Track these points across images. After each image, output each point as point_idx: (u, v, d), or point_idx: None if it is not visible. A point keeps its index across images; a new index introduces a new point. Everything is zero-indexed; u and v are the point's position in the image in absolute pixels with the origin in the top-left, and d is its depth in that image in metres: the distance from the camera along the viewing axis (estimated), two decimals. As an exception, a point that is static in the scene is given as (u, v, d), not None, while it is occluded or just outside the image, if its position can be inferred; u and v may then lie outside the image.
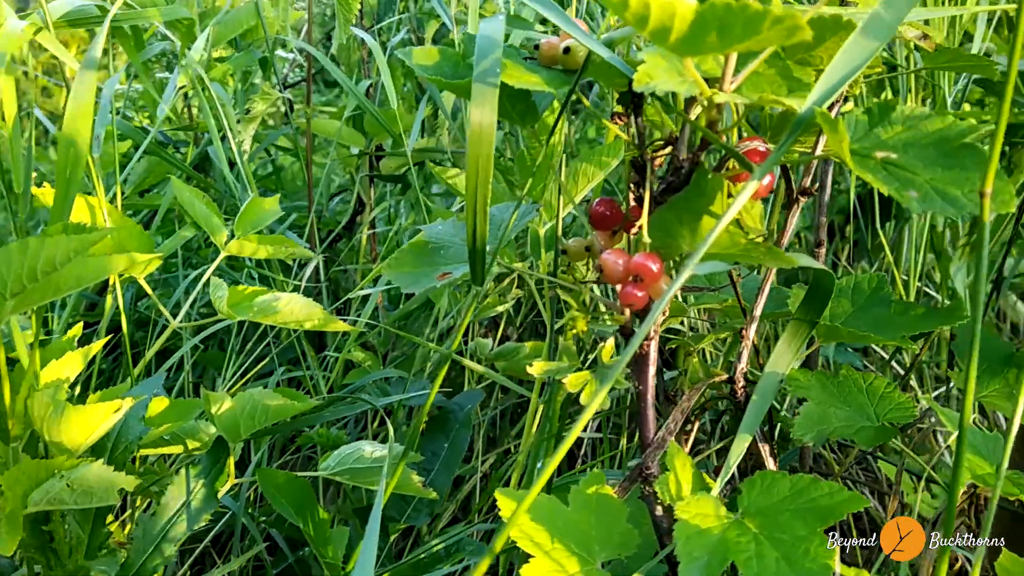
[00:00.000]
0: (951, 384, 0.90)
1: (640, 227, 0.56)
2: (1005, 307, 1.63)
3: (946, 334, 1.21)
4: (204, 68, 1.40)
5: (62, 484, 0.68)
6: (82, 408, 0.70)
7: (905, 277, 1.35)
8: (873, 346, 1.19)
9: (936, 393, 1.21)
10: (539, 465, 0.96)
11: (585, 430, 1.32)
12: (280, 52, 1.91)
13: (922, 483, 0.73)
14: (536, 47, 0.62)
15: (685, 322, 1.15)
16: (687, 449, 0.75)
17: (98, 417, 0.71)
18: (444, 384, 1.48)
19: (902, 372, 1.16)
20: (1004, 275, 1.56)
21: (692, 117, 0.59)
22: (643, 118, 0.62)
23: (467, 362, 1.13)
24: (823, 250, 0.77)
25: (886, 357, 1.28)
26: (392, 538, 1.09)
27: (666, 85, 0.51)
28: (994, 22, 1.42)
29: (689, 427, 0.73)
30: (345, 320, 1.38)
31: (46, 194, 0.93)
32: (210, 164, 1.68)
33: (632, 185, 0.61)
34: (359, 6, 1.41)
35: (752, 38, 0.42)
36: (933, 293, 1.43)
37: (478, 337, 1.42)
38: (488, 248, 0.68)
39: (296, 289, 1.41)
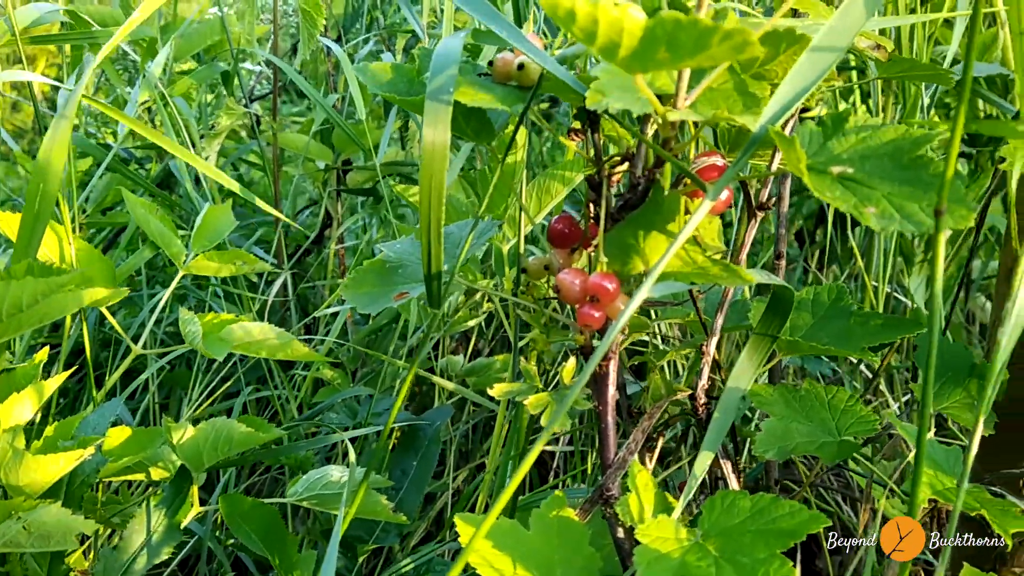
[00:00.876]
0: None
1: (594, 246, 0.56)
2: (974, 308, 1.64)
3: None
4: (166, 83, 1.38)
5: (19, 527, 0.66)
6: (41, 457, 0.68)
7: (876, 283, 1.36)
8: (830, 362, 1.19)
9: (907, 397, 1.21)
10: (506, 482, 0.95)
11: (556, 443, 1.31)
12: (247, 65, 1.89)
13: (884, 492, 0.72)
14: (490, 64, 0.61)
15: (657, 334, 1.15)
16: (652, 464, 0.74)
17: (57, 464, 0.69)
18: (416, 400, 1.46)
19: (872, 377, 1.16)
20: (972, 277, 1.57)
21: (649, 133, 0.59)
22: (600, 134, 0.62)
23: (437, 379, 1.12)
24: (783, 262, 0.77)
25: (856, 363, 1.28)
26: (361, 559, 1.07)
27: (619, 103, 0.50)
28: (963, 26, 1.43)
29: (653, 443, 0.72)
30: (313, 338, 1.36)
31: (9, 221, 0.91)
32: (175, 181, 1.66)
33: (589, 203, 0.60)
34: (324, 21, 1.39)
35: (702, 54, 0.41)
36: (902, 298, 1.43)
37: (448, 354, 1.41)
38: (446, 267, 0.67)
39: (263, 306, 1.40)
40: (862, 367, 1.31)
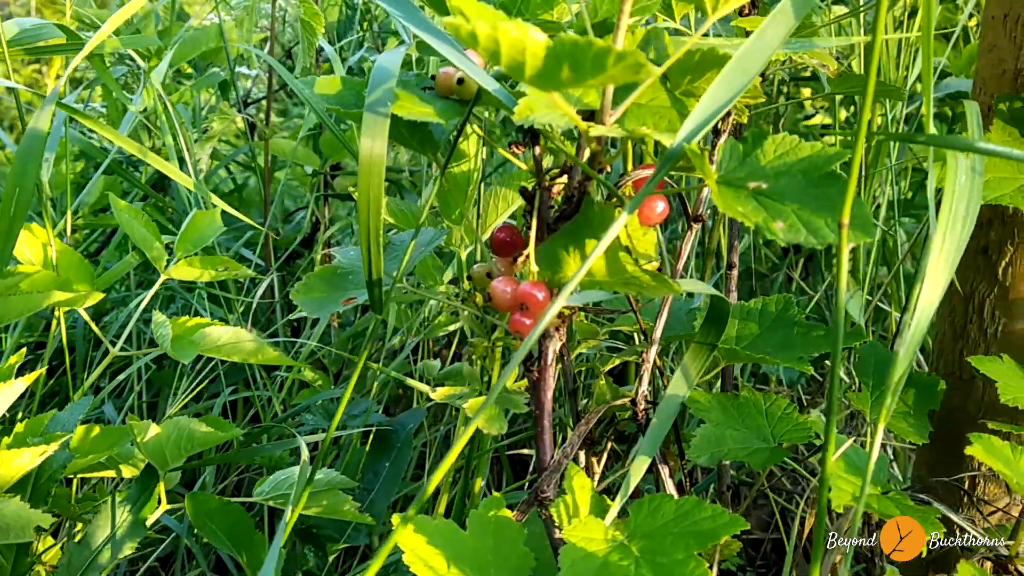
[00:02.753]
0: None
1: (526, 256, 0.57)
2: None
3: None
4: (164, 89, 1.41)
5: (-22, 520, 0.68)
6: (6, 452, 0.71)
7: (858, 290, 1.37)
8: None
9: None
10: (465, 485, 0.97)
11: (533, 447, 1.32)
12: (244, 70, 1.92)
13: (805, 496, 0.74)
14: (432, 78, 0.63)
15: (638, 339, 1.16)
16: (600, 467, 0.75)
17: (22, 459, 0.72)
18: (400, 403, 1.48)
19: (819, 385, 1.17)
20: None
21: (585, 149, 0.60)
22: (540, 147, 0.63)
23: (413, 383, 1.14)
24: (735, 272, 0.78)
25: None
26: (332, 557, 1.09)
27: (545, 118, 0.52)
28: (952, 40, 1.44)
29: (599, 448, 0.73)
30: (297, 340, 1.39)
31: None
32: (169, 183, 1.69)
33: (526, 213, 0.62)
34: (322, 28, 1.42)
35: (601, 74, 0.43)
36: (885, 307, 1.44)
37: (430, 357, 1.43)
38: (395, 272, 0.69)
39: (249, 307, 1.42)
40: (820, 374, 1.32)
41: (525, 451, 1.30)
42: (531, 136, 0.63)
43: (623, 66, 0.42)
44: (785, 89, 1.48)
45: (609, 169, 0.60)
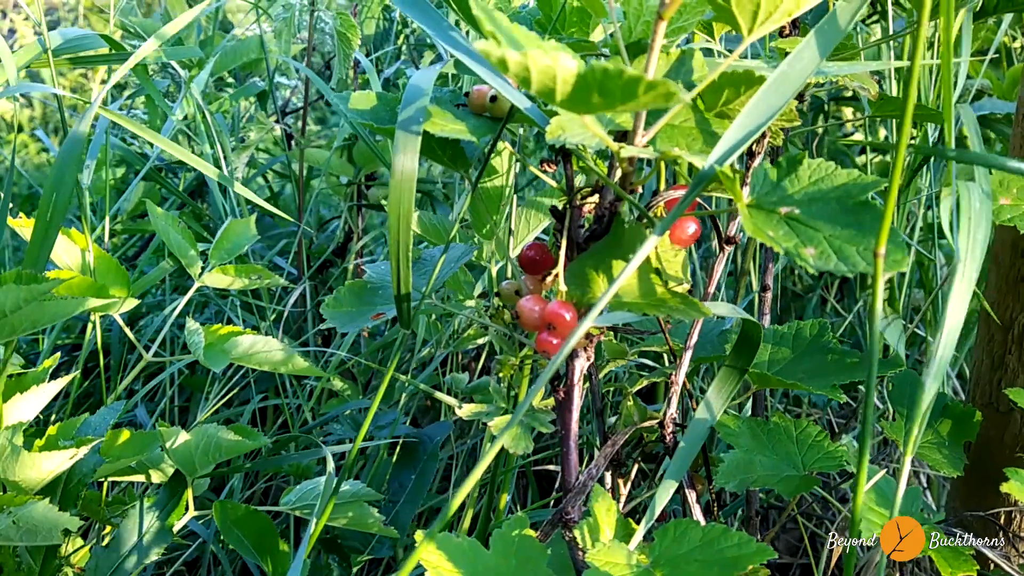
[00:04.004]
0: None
1: (555, 276, 0.57)
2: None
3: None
4: (204, 98, 1.43)
5: (8, 521, 0.69)
6: (37, 454, 0.72)
7: (896, 317, 1.34)
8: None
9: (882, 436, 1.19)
10: (490, 501, 0.96)
11: (551, 464, 1.32)
12: (282, 79, 1.94)
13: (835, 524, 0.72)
14: (466, 95, 0.63)
15: (667, 359, 1.15)
16: (627, 489, 0.75)
17: (53, 461, 0.73)
18: (428, 415, 1.48)
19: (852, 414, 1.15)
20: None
21: (617, 169, 0.60)
22: (572, 166, 0.63)
23: (440, 396, 1.14)
24: (769, 295, 0.77)
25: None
26: (356, 568, 1.09)
27: (576, 138, 0.52)
28: (987, 59, 1.42)
29: (626, 469, 0.73)
30: (327, 350, 1.39)
31: (24, 225, 0.95)
32: (207, 190, 1.71)
33: (555, 232, 0.61)
34: (358, 41, 1.43)
35: (632, 101, 0.43)
36: (920, 331, 1.42)
37: (458, 370, 1.43)
38: (423, 289, 0.69)
39: (281, 315, 1.43)
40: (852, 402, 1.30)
41: (551, 467, 1.29)
42: (563, 155, 0.63)
43: (653, 95, 0.42)
44: (826, 108, 1.46)
45: (641, 190, 0.60)
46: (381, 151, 1.35)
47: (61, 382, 0.83)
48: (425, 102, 0.59)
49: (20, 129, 3.02)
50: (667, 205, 0.63)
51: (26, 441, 0.76)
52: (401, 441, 1.20)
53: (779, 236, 0.49)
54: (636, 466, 0.74)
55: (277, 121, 1.50)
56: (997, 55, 1.43)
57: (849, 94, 1.18)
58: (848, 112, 1.47)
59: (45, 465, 0.72)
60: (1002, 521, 0.70)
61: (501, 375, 0.68)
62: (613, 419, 0.84)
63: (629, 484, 0.74)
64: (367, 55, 1.72)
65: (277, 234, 1.77)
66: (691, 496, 0.66)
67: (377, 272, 0.72)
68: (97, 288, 0.81)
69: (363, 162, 1.47)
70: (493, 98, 0.61)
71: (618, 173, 0.62)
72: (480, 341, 1.31)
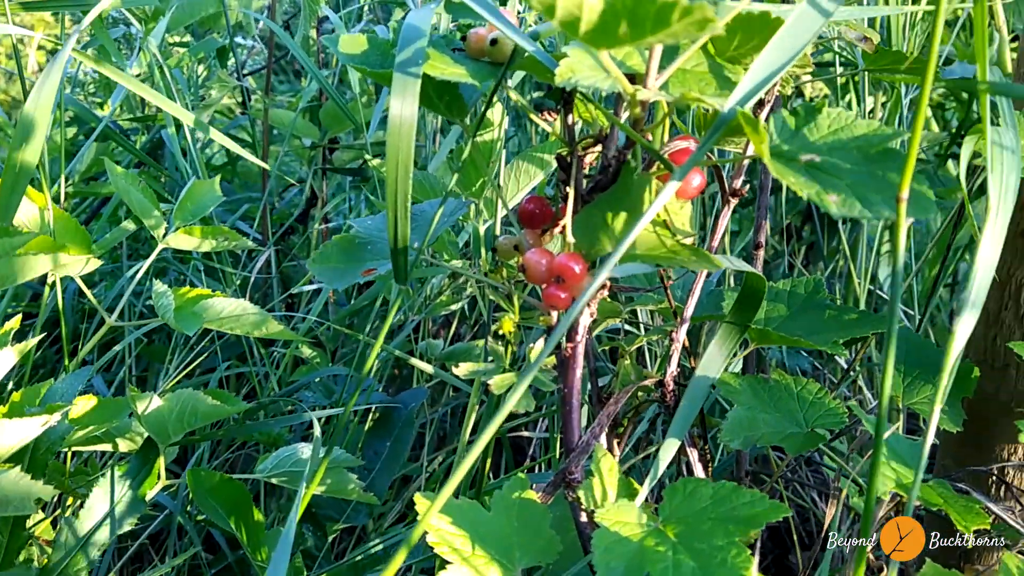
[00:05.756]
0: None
1: (562, 227, 0.55)
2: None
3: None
4: (161, 54, 1.37)
5: (-23, 491, 0.65)
6: (5, 421, 0.67)
7: (860, 280, 1.35)
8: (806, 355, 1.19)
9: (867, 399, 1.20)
10: (477, 467, 0.94)
11: (533, 429, 1.30)
12: (239, 39, 1.88)
13: (848, 484, 0.72)
14: (463, 38, 0.60)
15: (641, 322, 1.14)
16: (621, 450, 0.73)
17: (23, 428, 0.69)
18: (396, 383, 1.46)
19: (846, 371, 1.16)
20: (957, 279, 1.57)
21: (623, 115, 0.58)
22: (573, 115, 0.61)
23: (415, 361, 1.11)
24: (761, 252, 0.76)
25: (836, 357, 1.27)
26: (331, 538, 1.07)
27: (588, 80, 0.49)
28: (956, 27, 1.43)
29: (622, 430, 0.71)
30: (294, 315, 1.35)
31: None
32: (161, 153, 1.65)
33: (559, 183, 0.59)
34: (324, -2, 1.38)
35: (663, 30, 0.41)
36: (886, 295, 1.43)
37: (429, 337, 1.40)
38: (416, 245, 0.66)
39: (245, 282, 1.39)
40: (841, 363, 1.31)
41: (525, 433, 1.28)
42: (564, 103, 0.60)
43: (688, 21, 0.39)
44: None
45: (651, 137, 0.58)
46: (352, 111, 1.31)
47: (25, 345, 0.79)
48: (424, 43, 0.56)
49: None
50: (672, 156, 0.61)
51: (-11, 408, 0.72)
52: (374, 409, 1.17)
53: (799, 183, 0.48)
54: (631, 427, 0.72)
55: (238, 79, 1.45)
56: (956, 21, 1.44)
57: (827, 57, 1.17)
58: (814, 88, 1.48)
59: (14, 432, 0.68)
60: (1009, 477, 0.70)
61: (501, 332, 0.65)
62: (604, 380, 0.83)
63: (623, 445, 0.72)
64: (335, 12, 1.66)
65: (237, 200, 1.71)
66: (693, 454, 0.64)
67: (365, 227, 0.69)
68: (58, 248, 0.76)
69: (330, 124, 1.42)
70: (494, 41, 0.58)
71: (624, 118, 0.60)
72: (453, 307, 1.29)
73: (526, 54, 0.58)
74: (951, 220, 0.88)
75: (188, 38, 1.72)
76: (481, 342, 1.26)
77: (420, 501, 0.58)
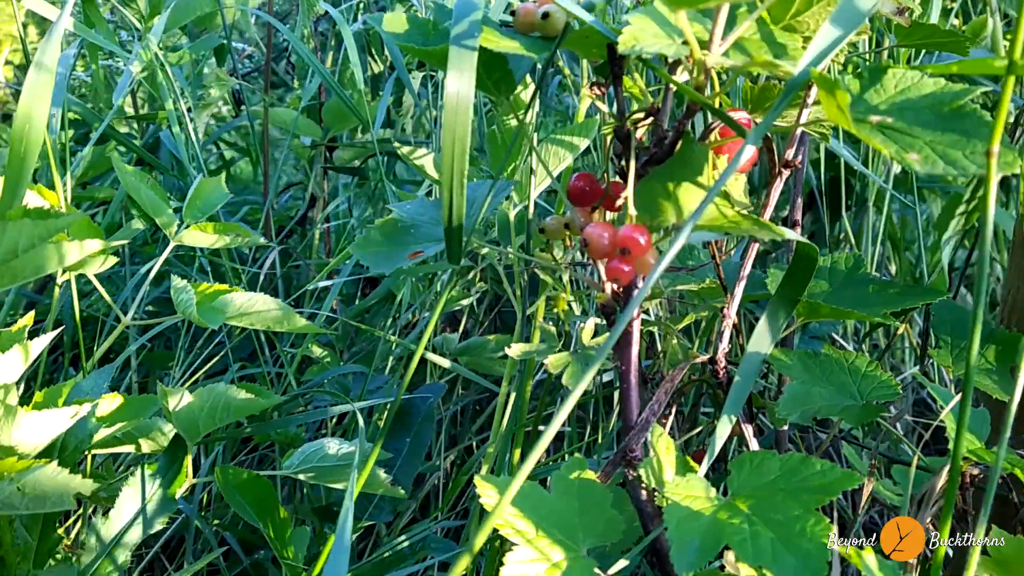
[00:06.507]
0: (928, 361, 0.90)
1: (625, 199, 0.54)
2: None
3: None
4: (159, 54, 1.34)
5: (12, 488, 0.63)
6: (36, 414, 0.65)
7: (869, 267, 1.36)
8: (839, 339, 1.19)
9: (901, 376, 1.21)
10: (508, 455, 0.93)
11: (547, 423, 1.29)
12: (233, 42, 1.85)
13: (872, 470, 0.72)
14: (512, 13, 0.59)
15: (650, 311, 1.14)
16: (667, 429, 0.72)
17: (54, 421, 0.66)
18: (401, 379, 1.44)
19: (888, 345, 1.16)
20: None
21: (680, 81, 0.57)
22: (622, 89, 0.60)
23: (433, 357, 1.10)
24: (798, 229, 0.76)
25: (848, 347, 1.28)
26: (352, 537, 1.05)
27: (653, 47, 0.49)
28: (954, 11, 1.44)
29: (667, 410, 0.70)
30: (303, 311, 1.34)
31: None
32: (157, 155, 1.62)
33: (614, 157, 0.58)
34: (325, -9, 1.37)
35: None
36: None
37: (443, 332, 1.39)
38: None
39: (254, 280, 1.37)
40: (864, 345, 1.31)
41: (542, 427, 1.26)
42: (615, 76, 0.60)
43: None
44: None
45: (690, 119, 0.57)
46: (356, 107, 1.29)
47: (45, 339, 0.76)
48: (479, 16, 0.55)
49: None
50: (721, 132, 0.61)
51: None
52: (390, 405, 1.16)
53: (878, 142, 0.47)
54: (675, 406, 0.71)
55: (237, 78, 1.43)
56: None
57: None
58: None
59: (44, 426, 0.66)
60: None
61: (555, 310, 0.64)
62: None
63: (669, 424, 0.71)
64: (326, 12, 1.65)
65: (234, 203, 1.69)
66: (748, 430, 0.64)
67: (406, 211, 0.67)
68: (95, 232, 0.74)
69: (332, 121, 1.40)
70: (545, 15, 0.58)
71: (670, 94, 0.60)
72: (464, 302, 1.28)
73: (577, 28, 0.57)
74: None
75: (184, 39, 1.70)
76: (492, 337, 1.25)
77: (482, 484, 0.57)
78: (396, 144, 0.80)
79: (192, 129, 1.25)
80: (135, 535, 0.76)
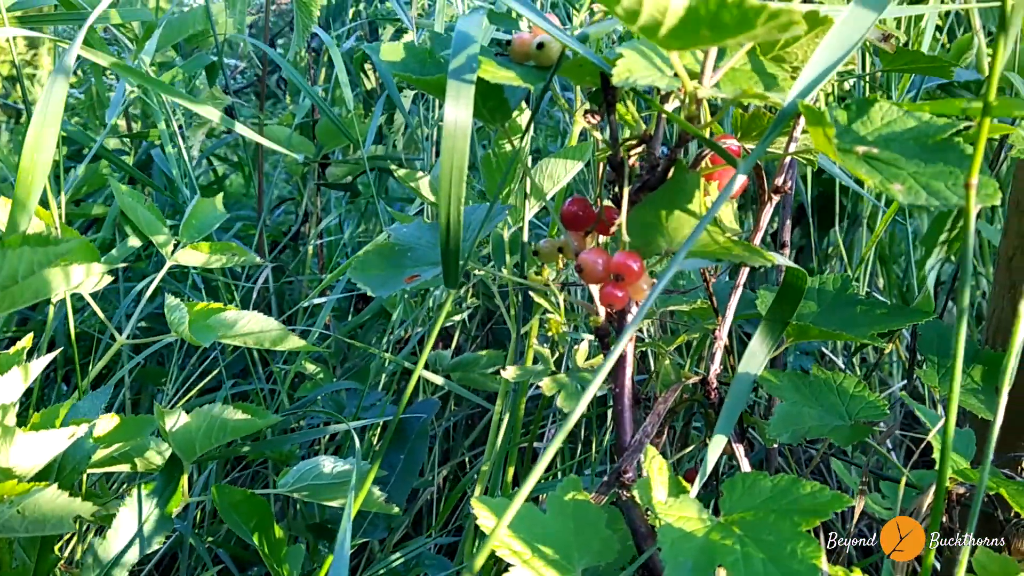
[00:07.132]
0: (914, 379, 0.91)
1: (618, 226, 0.55)
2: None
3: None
4: (154, 73, 1.35)
5: (12, 511, 0.64)
6: (33, 435, 0.66)
7: (856, 282, 1.37)
8: (828, 353, 1.20)
9: (888, 392, 1.22)
10: (501, 474, 0.94)
11: (540, 441, 1.30)
12: (225, 59, 1.86)
13: (860, 485, 0.73)
14: (507, 43, 0.61)
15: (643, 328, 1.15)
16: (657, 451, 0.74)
17: (52, 442, 0.67)
18: (395, 395, 1.45)
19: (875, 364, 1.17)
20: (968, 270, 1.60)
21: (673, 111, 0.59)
22: (615, 117, 0.61)
23: (426, 374, 1.11)
24: (787, 251, 0.77)
25: (840, 365, 1.29)
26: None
27: (646, 79, 0.50)
28: (945, 28, 1.46)
29: (661, 431, 0.72)
30: (296, 328, 1.34)
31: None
32: (148, 173, 1.63)
33: (607, 184, 0.60)
34: (319, 12, 1.38)
35: (745, 32, 0.41)
36: (879, 298, 1.45)
37: (435, 348, 1.40)
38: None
39: (247, 295, 1.37)
40: (854, 360, 1.32)
41: (537, 444, 1.27)
42: (609, 104, 0.61)
43: (772, 24, 0.40)
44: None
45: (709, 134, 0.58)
46: (348, 127, 1.30)
47: (43, 361, 0.77)
48: (476, 49, 0.56)
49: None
50: (712, 159, 0.62)
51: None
52: (383, 422, 1.16)
53: (862, 174, 0.49)
54: (667, 427, 0.73)
55: (229, 94, 1.44)
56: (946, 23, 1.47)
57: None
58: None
59: (41, 448, 0.66)
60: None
61: (549, 333, 0.65)
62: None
63: (662, 444, 0.72)
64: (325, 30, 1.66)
65: (230, 219, 1.70)
66: (739, 450, 0.65)
67: (402, 234, 0.69)
68: (92, 254, 0.75)
69: (326, 139, 1.41)
70: (540, 45, 0.59)
71: (662, 121, 0.61)
72: (457, 318, 1.29)
73: (571, 58, 0.58)
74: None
75: (174, 55, 1.71)
76: (484, 353, 1.26)
77: (479, 506, 0.58)
78: (391, 165, 0.82)
79: (185, 148, 1.26)
80: (133, 555, 0.76)
